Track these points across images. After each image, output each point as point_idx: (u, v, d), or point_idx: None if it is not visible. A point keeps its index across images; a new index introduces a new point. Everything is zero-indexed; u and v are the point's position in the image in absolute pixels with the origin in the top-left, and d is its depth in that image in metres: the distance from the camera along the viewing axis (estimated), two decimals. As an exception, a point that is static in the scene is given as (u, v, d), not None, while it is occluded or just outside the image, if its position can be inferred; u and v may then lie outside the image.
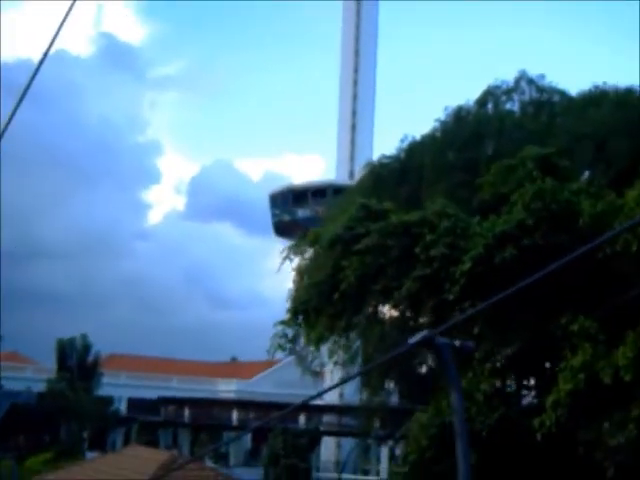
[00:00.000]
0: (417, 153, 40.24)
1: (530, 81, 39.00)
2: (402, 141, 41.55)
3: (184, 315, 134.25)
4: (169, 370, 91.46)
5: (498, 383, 21.70)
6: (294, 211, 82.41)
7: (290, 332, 47.02)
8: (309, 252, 49.00)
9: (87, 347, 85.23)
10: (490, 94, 39.27)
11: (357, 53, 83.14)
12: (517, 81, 39.03)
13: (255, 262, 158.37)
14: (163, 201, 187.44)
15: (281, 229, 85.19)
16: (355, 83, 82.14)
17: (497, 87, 39.33)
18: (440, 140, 38.26)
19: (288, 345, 44.68)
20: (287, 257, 52.41)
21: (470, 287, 22.20)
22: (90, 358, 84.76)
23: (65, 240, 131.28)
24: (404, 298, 24.65)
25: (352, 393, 78.08)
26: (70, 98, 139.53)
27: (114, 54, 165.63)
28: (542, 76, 39.03)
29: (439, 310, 22.92)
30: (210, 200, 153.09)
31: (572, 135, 33.68)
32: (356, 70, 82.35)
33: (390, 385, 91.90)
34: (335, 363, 51.55)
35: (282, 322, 49.00)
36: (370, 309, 29.04)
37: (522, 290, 7.55)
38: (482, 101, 39.16)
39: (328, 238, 27.58)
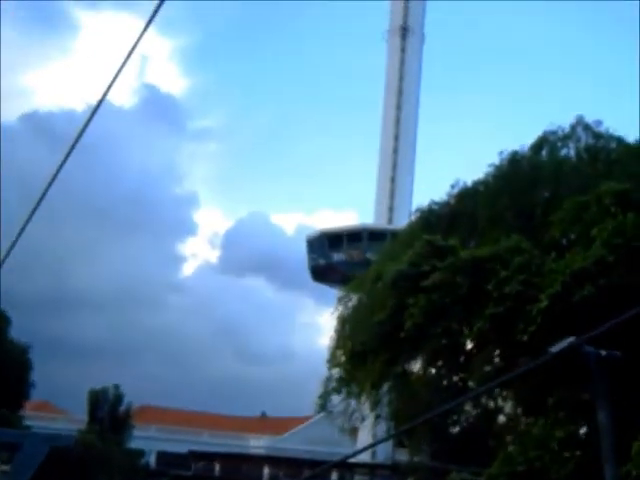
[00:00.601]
0: (469, 198, 38.92)
1: (586, 127, 37.75)
2: (453, 187, 40.29)
3: (215, 369, 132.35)
4: (199, 424, 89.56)
5: (572, 428, 19.99)
6: (330, 255, 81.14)
7: (337, 376, 45.59)
8: (353, 300, 47.75)
9: (119, 398, 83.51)
10: (545, 140, 38.02)
11: (399, 107, 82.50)
12: (573, 127, 37.80)
13: (287, 317, 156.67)
14: (198, 254, 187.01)
15: (317, 273, 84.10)
16: (396, 137, 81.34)
17: (553, 133, 38.09)
18: (494, 185, 36.95)
19: (343, 388, 43.00)
20: (342, 299, 50.92)
21: (545, 326, 20.65)
22: (122, 409, 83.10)
23: (100, 291, 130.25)
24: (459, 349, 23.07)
25: (383, 451, 75.97)
26: (110, 149, 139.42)
27: (155, 105, 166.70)
28: (599, 122, 37.80)
29: (508, 351, 21.31)
30: (244, 254, 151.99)
31: (633, 178, 32.31)
32: (397, 122, 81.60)
33: (423, 445, 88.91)
34: (377, 417, 49.75)
35: (337, 364, 47.47)
36: (425, 356, 27.39)
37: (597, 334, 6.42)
38: (537, 147, 37.89)
39: (392, 275, 26.07)
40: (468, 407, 64.80)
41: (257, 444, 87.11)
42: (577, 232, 23.62)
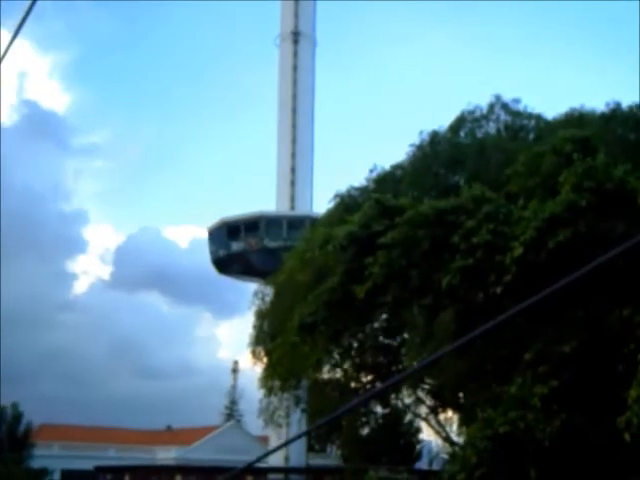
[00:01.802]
0: (389, 182, 37.70)
1: (505, 105, 36.93)
2: (371, 171, 39.07)
3: (114, 386, 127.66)
4: (105, 439, 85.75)
5: (555, 384, 18.46)
6: (229, 245, 78.92)
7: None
8: (270, 294, 45.91)
9: (18, 417, 79.42)
10: (464, 119, 37.05)
11: (294, 110, 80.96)
12: (491, 105, 36.94)
13: (184, 331, 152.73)
14: (89, 271, 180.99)
15: (219, 265, 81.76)
16: (294, 141, 79.81)
17: (470, 112, 37.15)
18: (415, 166, 35.73)
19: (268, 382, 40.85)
20: (259, 293, 48.80)
21: (520, 276, 19.16)
22: (21, 428, 78.96)
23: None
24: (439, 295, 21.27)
25: (297, 458, 74.24)
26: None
27: (37, 122, 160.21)
28: (517, 100, 37.05)
29: (486, 305, 19.62)
30: (137, 269, 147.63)
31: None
32: (294, 126, 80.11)
33: (333, 448, 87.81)
34: (303, 411, 47.92)
35: (258, 360, 45.34)
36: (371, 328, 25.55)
37: (576, 282, 5.02)
38: (456, 126, 36.89)
39: (342, 238, 24.13)
40: (378, 409, 63.66)
41: (166, 456, 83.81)
42: (536, 183, 22.34)
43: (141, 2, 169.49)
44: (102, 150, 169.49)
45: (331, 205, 39.51)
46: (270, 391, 46.46)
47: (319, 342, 26.82)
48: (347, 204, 38.64)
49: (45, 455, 78.17)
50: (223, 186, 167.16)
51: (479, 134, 36.22)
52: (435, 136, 36.31)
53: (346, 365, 44.05)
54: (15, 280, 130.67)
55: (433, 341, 28.21)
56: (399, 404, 47.10)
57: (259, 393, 46.75)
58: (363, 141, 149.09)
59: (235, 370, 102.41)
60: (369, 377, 44.47)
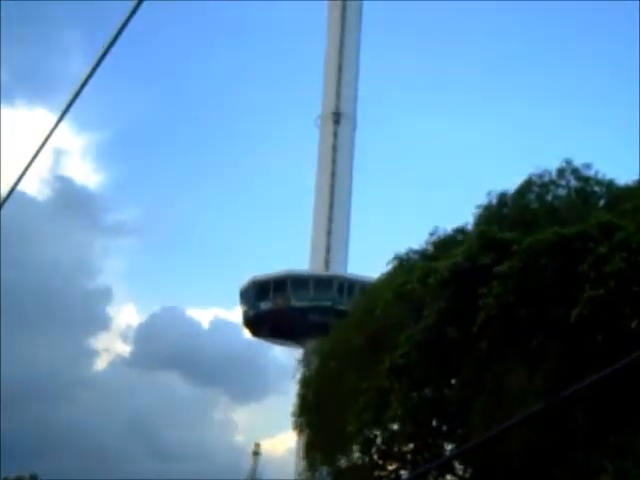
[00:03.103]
0: (450, 245, 35.96)
1: (574, 170, 35.24)
2: (432, 234, 37.20)
3: (127, 465, 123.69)
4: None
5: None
6: (257, 305, 76.93)
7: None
8: (315, 363, 43.64)
9: (35, 488, 76.53)
10: (532, 183, 35.29)
11: (332, 186, 79.93)
12: (561, 170, 35.24)
13: (201, 413, 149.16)
14: (110, 348, 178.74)
15: (250, 326, 79.64)
16: (330, 205, 78.51)
17: (539, 176, 35.44)
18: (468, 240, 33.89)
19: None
20: (303, 361, 46.46)
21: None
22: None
23: (6, 386, 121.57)
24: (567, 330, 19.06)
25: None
26: (21, 241, 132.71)
27: (69, 198, 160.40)
28: (588, 165, 35.33)
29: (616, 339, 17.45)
30: (158, 348, 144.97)
31: None
32: (331, 198, 78.94)
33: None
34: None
35: (302, 430, 42.78)
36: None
37: None
38: (524, 190, 35.11)
39: (445, 271, 22.07)
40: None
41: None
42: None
43: (178, 82, 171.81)
44: (130, 228, 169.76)
45: (389, 267, 37.60)
46: (311, 465, 43.86)
47: (404, 390, 24.48)
48: (405, 267, 36.77)
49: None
50: (257, 262, 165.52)
51: (548, 199, 34.54)
52: (503, 197, 34.59)
53: (372, 450, 41.72)
54: (38, 355, 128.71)
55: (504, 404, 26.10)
56: None
57: (284, 473, 44.33)
58: (407, 208, 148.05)
59: (256, 453, 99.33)
60: (394, 465, 42.05)
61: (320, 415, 39.66)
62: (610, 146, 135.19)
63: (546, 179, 35.38)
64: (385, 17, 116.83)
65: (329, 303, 74.19)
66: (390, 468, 41.80)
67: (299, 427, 42.47)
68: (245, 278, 79.61)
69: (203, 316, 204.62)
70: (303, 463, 44.53)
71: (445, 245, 36.82)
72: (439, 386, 26.61)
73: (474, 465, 35.10)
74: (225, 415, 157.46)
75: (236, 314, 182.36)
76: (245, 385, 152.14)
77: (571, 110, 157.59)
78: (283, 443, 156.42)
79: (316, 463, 43.22)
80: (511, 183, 36.16)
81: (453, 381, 29.78)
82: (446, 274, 21.89)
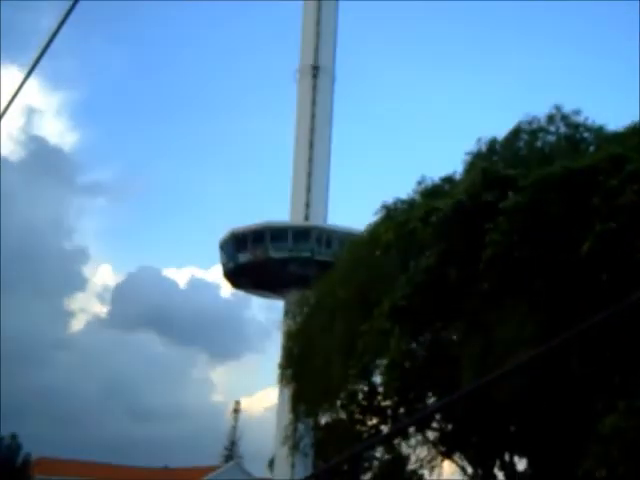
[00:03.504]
0: (438, 194, 35.30)
1: (564, 117, 34.54)
2: (419, 183, 36.44)
3: (107, 426, 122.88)
4: (102, 475, 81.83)
5: None
6: (237, 257, 76.62)
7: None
8: (300, 315, 43.05)
9: (16, 448, 75.78)
10: (521, 130, 34.58)
11: (311, 145, 78.90)
12: (550, 117, 34.53)
13: (180, 372, 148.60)
14: (87, 309, 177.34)
15: (231, 278, 79.31)
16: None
17: (528, 123, 34.73)
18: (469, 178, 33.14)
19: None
20: (290, 312, 45.98)
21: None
22: (19, 460, 75.25)
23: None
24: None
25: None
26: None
27: (43, 158, 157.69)
28: (577, 111, 34.63)
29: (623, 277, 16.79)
30: (135, 308, 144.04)
31: None
32: (310, 161, 78.04)
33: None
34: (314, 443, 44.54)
35: (288, 383, 42.28)
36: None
37: None
38: (513, 137, 34.42)
39: (448, 209, 21.29)
40: (380, 453, 60.60)
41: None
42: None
43: (152, 41, 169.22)
44: (106, 188, 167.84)
45: (376, 217, 36.87)
46: (297, 417, 43.45)
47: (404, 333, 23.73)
48: (393, 216, 36.07)
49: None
50: (237, 218, 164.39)
51: (538, 145, 33.86)
52: (492, 144, 33.87)
53: (352, 407, 41.38)
54: (12, 316, 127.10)
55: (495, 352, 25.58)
56: (404, 449, 43.98)
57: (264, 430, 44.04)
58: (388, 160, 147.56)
59: (237, 410, 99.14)
60: (374, 420, 41.77)
61: (306, 367, 39.15)
62: (599, 92, 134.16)
63: (535, 126, 34.70)
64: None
65: (308, 254, 73.87)
66: (370, 423, 41.59)
67: (284, 380, 41.98)
68: (225, 233, 79.02)
69: (180, 275, 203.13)
70: (288, 417, 44.17)
71: (433, 194, 36.16)
72: (438, 331, 25.97)
73: (457, 420, 34.76)
74: (203, 374, 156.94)
75: (213, 273, 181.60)
76: (223, 344, 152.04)
77: (559, 58, 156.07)
78: (261, 401, 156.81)
79: (300, 416, 42.84)
80: (500, 131, 35.47)
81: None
82: (449, 212, 21.09)
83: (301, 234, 74.69)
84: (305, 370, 39.29)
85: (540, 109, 35.44)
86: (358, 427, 42.30)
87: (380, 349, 26.31)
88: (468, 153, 33.75)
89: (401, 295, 22.22)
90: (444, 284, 20.42)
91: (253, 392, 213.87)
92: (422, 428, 38.20)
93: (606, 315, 5.86)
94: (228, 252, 77.40)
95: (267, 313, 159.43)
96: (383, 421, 41.11)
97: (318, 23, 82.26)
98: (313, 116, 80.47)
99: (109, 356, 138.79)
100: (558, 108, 34.59)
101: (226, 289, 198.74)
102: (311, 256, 73.54)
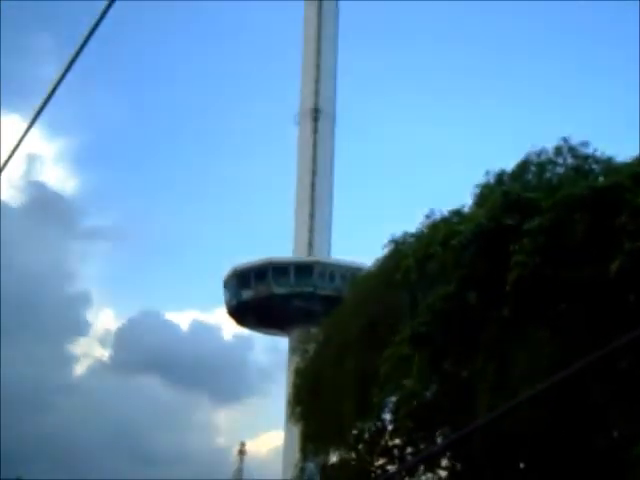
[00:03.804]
0: (437, 237, 35.56)
1: (571, 148, 34.50)
2: (427, 217, 36.35)
3: (110, 471, 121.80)
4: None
5: None
6: (240, 293, 76.43)
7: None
8: (312, 350, 42.63)
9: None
10: (529, 162, 34.52)
11: (313, 185, 79.08)
12: (558, 149, 34.50)
13: (182, 416, 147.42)
14: (89, 353, 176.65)
15: (234, 315, 79.08)
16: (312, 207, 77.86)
17: (537, 155, 34.68)
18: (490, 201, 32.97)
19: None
20: (297, 349, 45.61)
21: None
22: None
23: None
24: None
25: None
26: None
27: (44, 203, 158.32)
28: (585, 143, 34.58)
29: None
30: (137, 352, 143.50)
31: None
32: (312, 200, 78.14)
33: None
34: None
35: (298, 420, 41.68)
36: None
37: None
38: (521, 169, 34.32)
39: (468, 233, 21.00)
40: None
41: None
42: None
43: (153, 88, 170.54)
44: (107, 233, 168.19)
45: (385, 251, 36.71)
46: (306, 456, 42.83)
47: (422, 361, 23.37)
48: (401, 250, 35.96)
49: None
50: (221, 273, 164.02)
51: (547, 176, 33.77)
52: (501, 176, 33.77)
53: (360, 446, 40.86)
54: (15, 362, 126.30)
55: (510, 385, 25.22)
56: None
57: (268, 472, 43.43)
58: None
59: (242, 452, 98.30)
60: (381, 461, 41.24)
61: (316, 404, 38.70)
62: (607, 124, 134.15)
63: (543, 158, 34.65)
64: (361, 16, 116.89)
65: (311, 289, 73.90)
66: (377, 464, 41.00)
67: (293, 418, 41.47)
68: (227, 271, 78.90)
69: (182, 319, 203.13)
70: (296, 456, 43.57)
71: (433, 236, 36.19)
72: (458, 360, 25.50)
73: (466, 458, 34.15)
74: (206, 417, 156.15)
75: (215, 316, 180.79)
76: (225, 387, 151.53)
77: (567, 89, 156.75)
78: (266, 443, 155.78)
79: (309, 455, 42.27)
80: (508, 163, 35.41)
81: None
82: (470, 235, 20.87)
83: (303, 269, 74.80)
84: (315, 407, 38.85)
85: (548, 141, 35.29)
86: (366, 467, 41.73)
87: (401, 376, 25.76)
88: (477, 185, 33.65)
89: (421, 322, 21.87)
90: (464, 311, 20.13)
91: (256, 435, 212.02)
92: (431, 467, 37.68)
93: (629, 338, 5.60)
94: (231, 290, 77.41)
95: (269, 355, 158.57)
96: (390, 461, 40.54)
97: (318, 67, 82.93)
98: (314, 157, 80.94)
99: (112, 400, 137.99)
100: (566, 140, 34.56)
101: (228, 331, 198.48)
102: (314, 291, 73.66)
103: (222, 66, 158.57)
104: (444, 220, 36.25)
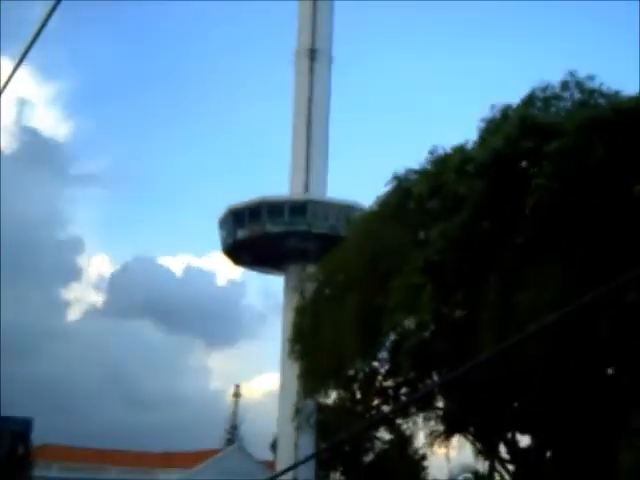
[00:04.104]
0: (450, 163, 34.62)
1: (578, 83, 33.79)
2: (431, 153, 35.66)
3: (106, 415, 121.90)
4: (104, 461, 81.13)
5: None
6: (234, 233, 76.52)
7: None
8: (312, 288, 42.30)
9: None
10: (534, 97, 33.78)
11: (309, 123, 78.16)
12: (564, 83, 33.77)
13: (176, 360, 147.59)
14: (82, 298, 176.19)
15: (229, 254, 79.20)
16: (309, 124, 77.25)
17: (542, 90, 33.94)
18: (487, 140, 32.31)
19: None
20: (296, 287, 45.30)
21: None
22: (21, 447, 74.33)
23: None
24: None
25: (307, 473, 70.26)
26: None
27: (36, 149, 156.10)
28: (591, 77, 33.85)
29: None
30: (130, 296, 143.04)
31: None
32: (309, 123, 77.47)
33: (336, 475, 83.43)
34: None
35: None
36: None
37: None
38: (527, 104, 33.57)
39: (483, 158, 20.40)
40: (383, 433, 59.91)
41: (167, 478, 79.29)
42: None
43: (144, 28, 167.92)
44: (100, 178, 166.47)
45: (387, 188, 36.07)
46: (305, 394, 42.73)
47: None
48: (405, 188, 35.38)
49: (44, 476, 73.62)
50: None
51: (552, 111, 33.09)
52: (506, 110, 33.08)
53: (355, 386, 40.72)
54: (8, 307, 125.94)
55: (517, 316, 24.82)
56: (407, 429, 43.22)
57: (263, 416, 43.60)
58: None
59: (237, 394, 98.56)
60: (376, 401, 41.10)
61: (316, 343, 38.42)
62: (614, 58, 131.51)
63: (549, 93, 33.93)
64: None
65: (305, 227, 73.61)
66: (373, 404, 40.89)
67: (293, 355, 41.27)
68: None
69: (175, 263, 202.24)
70: (295, 394, 43.55)
71: (445, 163, 35.46)
72: (469, 291, 24.97)
73: (459, 398, 33.87)
74: (200, 361, 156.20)
75: (209, 261, 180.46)
76: (219, 331, 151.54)
77: (573, 23, 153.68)
78: (260, 387, 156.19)
79: (307, 395, 42.16)
80: (512, 99, 34.66)
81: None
82: (487, 160, 20.21)
83: (297, 208, 74.41)
84: (314, 345, 38.57)
85: (554, 76, 34.51)
86: (360, 408, 41.65)
87: (411, 305, 25.21)
88: (482, 120, 32.95)
89: (435, 249, 21.30)
90: (478, 239, 19.58)
91: (250, 378, 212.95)
92: (423, 407, 37.61)
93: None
94: (227, 229, 77.14)
95: (263, 299, 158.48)
96: (385, 401, 40.46)
97: (314, 6, 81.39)
98: (311, 96, 79.77)
99: (106, 345, 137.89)
100: (572, 74, 33.82)
101: (222, 276, 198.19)
102: (308, 229, 73.42)
103: (217, 8, 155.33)
104: (447, 156, 35.66)
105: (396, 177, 35.82)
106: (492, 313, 26.05)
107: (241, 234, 76.08)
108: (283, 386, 68.12)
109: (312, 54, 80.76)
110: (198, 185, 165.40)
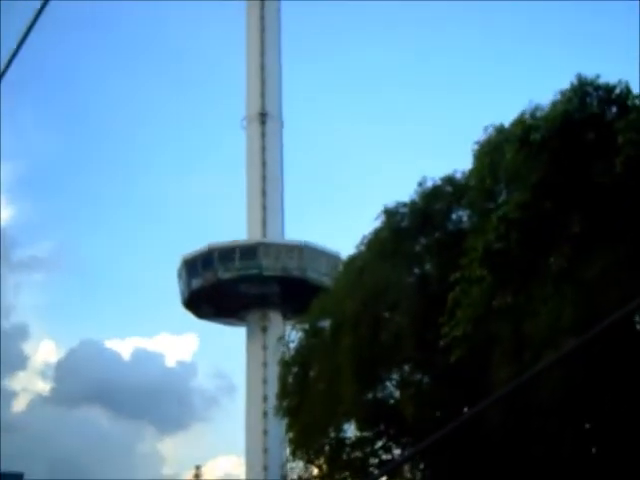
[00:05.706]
0: (440, 195, 33.13)
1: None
2: (420, 184, 33.72)
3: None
4: None
5: None
6: (190, 283, 73.53)
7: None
8: (298, 340, 39.38)
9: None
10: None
11: (264, 193, 76.27)
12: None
13: (126, 447, 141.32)
14: (29, 388, 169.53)
15: (188, 306, 75.99)
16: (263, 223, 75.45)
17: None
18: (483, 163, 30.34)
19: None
20: (281, 340, 41.80)
21: None
22: None
23: None
24: None
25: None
26: None
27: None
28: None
29: None
30: (78, 383, 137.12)
31: None
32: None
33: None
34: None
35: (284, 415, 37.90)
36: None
37: None
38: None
39: (556, 119, 17.61)
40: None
41: None
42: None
43: (87, 112, 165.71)
44: (43, 263, 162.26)
45: (377, 223, 33.81)
46: (295, 451, 39.27)
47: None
48: (395, 222, 33.40)
49: None
50: (163, 300, 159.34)
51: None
52: (501, 129, 31.21)
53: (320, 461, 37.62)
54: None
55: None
56: None
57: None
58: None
59: (197, 476, 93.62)
60: (343, 474, 38.05)
61: (307, 395, 35.48)
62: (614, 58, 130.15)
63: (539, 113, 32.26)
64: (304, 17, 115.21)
65: (256, 271, 70.97)
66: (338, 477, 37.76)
67: (281, 413, 38.11)
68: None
69: (123, 346, 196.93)
70: (284, 455, 40.40)
71: (435, 195, 33.77)
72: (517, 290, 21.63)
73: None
74: (151, 447, 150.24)
75: (157, 342, 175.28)
76: (170, 415, 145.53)
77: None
78: (212, 471, 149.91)
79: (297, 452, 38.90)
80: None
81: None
82: (556, 126, 17.78)
83: (249, 251, 71.90)
84: (306, 398, 35.59)
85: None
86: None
87: (473, 303, 21.84)
88: (477, 142, 30.96)
89: (495, 236, 18.62)
90: (539, 222, 17.09)
91: (204, 462, 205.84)
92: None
93: None
94: (183, 280, 74.40)
95: (214, 380, 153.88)
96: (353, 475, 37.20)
97: (263, 69, 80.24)
98: (264, 162, 78.27)
99: (53, 435, 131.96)
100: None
101: (171, 358, 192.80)
102: (259, 273, 70.93)
103: (160, 80, 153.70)
104: (436, 188, 33.87)
105: (386, 210, 33.74)
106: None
107: (195, 283, 73.52)
108: (249, 460, 64.52)
109: (262, 118, 79.32)
110: (143, 266, 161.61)
